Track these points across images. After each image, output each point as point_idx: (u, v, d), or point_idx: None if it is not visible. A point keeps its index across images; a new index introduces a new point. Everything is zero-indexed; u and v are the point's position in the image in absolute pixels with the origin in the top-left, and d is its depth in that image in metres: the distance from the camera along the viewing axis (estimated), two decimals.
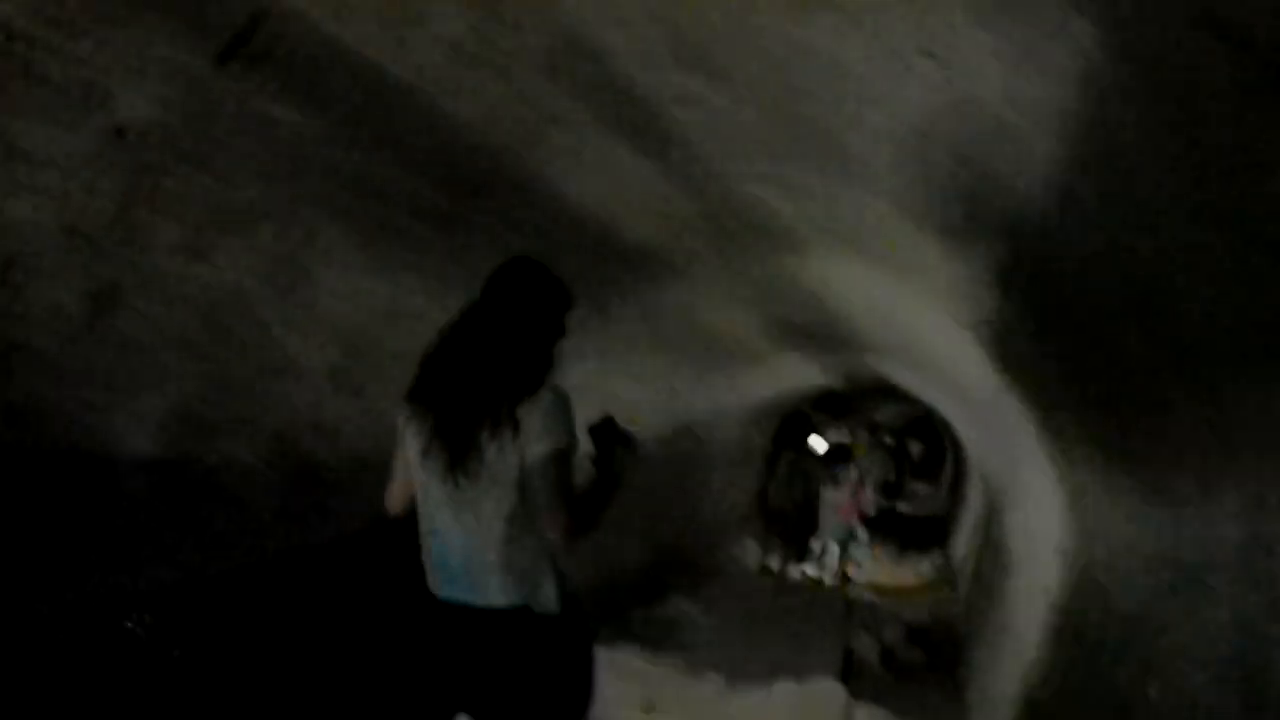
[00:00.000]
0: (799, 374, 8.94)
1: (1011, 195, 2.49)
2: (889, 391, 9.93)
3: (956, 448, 10.70)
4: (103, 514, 2.66)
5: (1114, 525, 2.89)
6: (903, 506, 13.58)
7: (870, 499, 10.49)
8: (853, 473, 10.07)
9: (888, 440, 14.07)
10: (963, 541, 9.55)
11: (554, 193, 3.65)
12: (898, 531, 12.12)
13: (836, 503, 9.68)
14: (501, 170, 3.38)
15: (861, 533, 10.13)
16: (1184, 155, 1.65)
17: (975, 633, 6.17)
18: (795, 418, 9.57)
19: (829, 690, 5.05)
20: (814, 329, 6.79)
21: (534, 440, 2.11)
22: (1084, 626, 3.05)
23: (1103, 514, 3.03)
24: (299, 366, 3.21)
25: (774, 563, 9.29)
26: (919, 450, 15.50)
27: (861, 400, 11.60)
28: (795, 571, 9.33)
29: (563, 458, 2.14)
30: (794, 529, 9.45)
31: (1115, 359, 2.62)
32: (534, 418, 2.12)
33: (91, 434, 2.61)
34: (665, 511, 7.20)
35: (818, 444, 9.52)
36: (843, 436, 11.20)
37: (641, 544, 6.61)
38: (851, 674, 5.76)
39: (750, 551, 9.53)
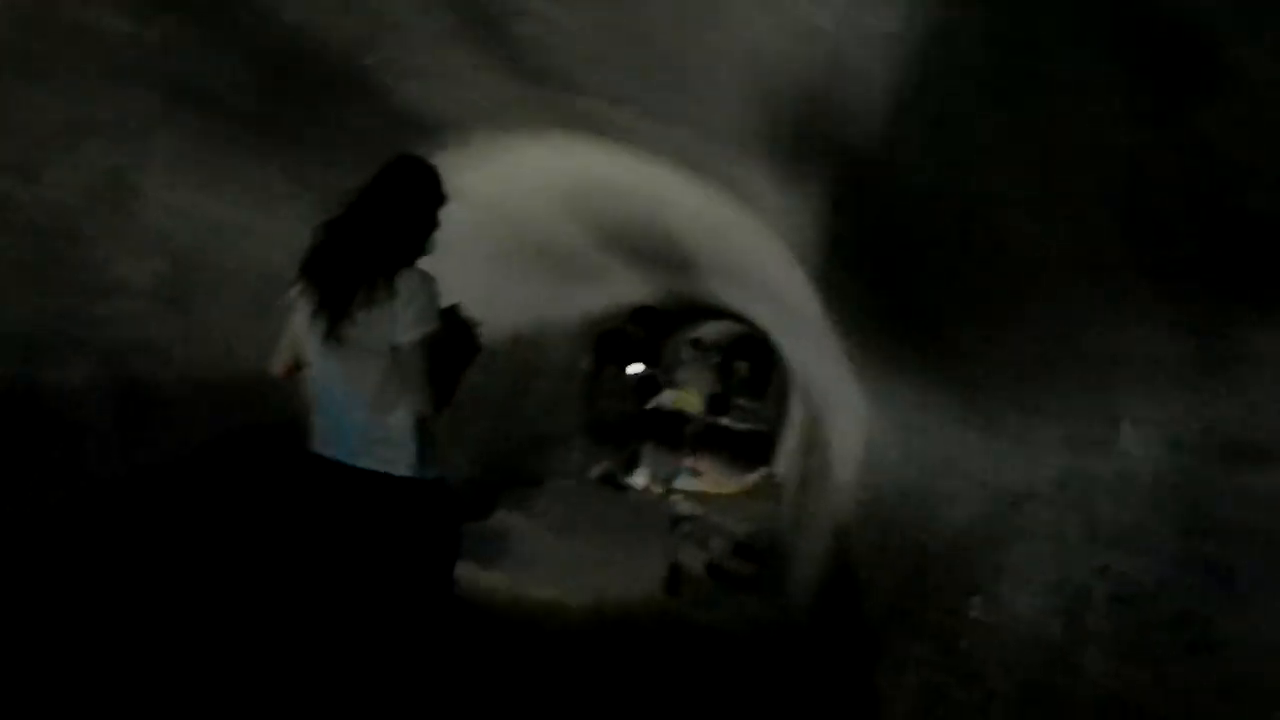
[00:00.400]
0: (629, 290, 9.11)
1: (846, 126, 2.47)
2: (717, 310, 10.18)
3: (783, 367, 11.05)
4: None
5: (936, 449, 2.99)
6: (729, 421, 13.91)
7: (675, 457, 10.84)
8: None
9: (714, 358, 14.40)
10: (786, 457, 9.93)
11: (390, 102, 3.59)
12: (725, 445, 12.52)
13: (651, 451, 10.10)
14: (336, 78, 3.33)
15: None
16: (1011, 95, 1.65)
17: (796, 546, 6.42)
18: (616, 334, 9.59)
19: (655, 600, 5.22)
20: (651, 249, 6.97)
21: (405, 323, 2.43)
22: (905, 546, 3.17)
23: (924, 439, 3.13)
24: (129, 286, 3.11)
25: (602, 471, 9.45)
26: (745, 367, 15.80)
27: (686, 316, 11.90)
28: (624, 480, 9.55)
29: (427, 341, 2.45)
30: (622, 440, 9.60)
31: (940, 292, 2.67)
32: (404, 297, 2.43)
33: None
34: (494, 424, 7.30)
35: (634, 368, 9.64)
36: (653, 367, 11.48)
37: (470, 456, 6.69)
38: (678, 586, 5.89)
39: (579, 462, 9.66)
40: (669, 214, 5.50)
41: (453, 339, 2.63)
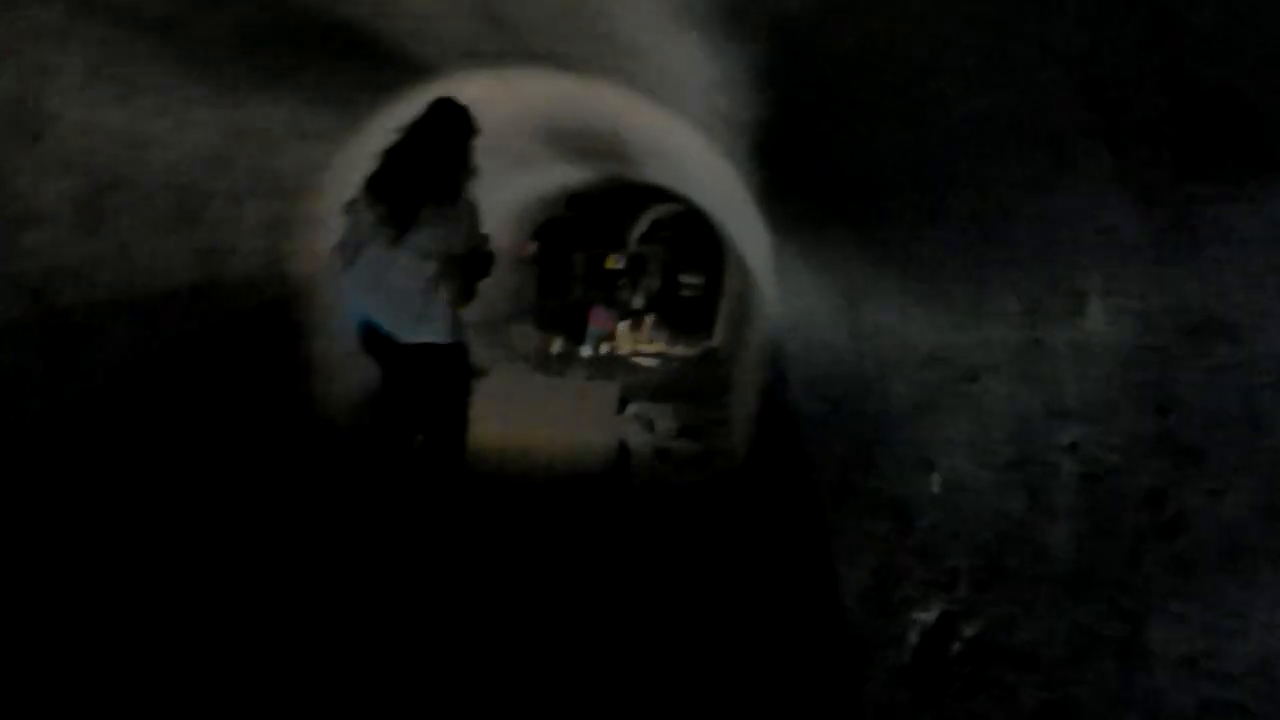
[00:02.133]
0: (569, 176, 9.61)
1: None
2: (665, 193, 10.82)
3: (723, 243, 11.37)
4: None
5: (886, 325, 2.95)
6: (677, 290, 15.21)
7: (612, 319, 11.53)
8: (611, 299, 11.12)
9: (664, 233, 15.07)
10: (723, 329, 10.14)
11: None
12: (671, 313, 13.95)
13: (596, 315, 10.56)
14: None
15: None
16: None
17: (737, 423, 6.46)
18: (557, 221, 9.48)
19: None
20: (600, 146, 7.47)
21: (459, 237, 3.58)
22: (854, 421, 3.17)
23: (873, 314, 3.09)
24: (47, 211, 3.01)
25: (551, 347, 9.61)
26: (686, 245, 16.44)
27: (637, 201, 12.78)
28: (571, 353, 9.87)
29: (471, 253, 3.71)
30: (567, 322, 9.67)
31: (877, 162, 2.59)
32: (460, 217, 3.57)
33: None
34: None
35: (577, 263, 9.70)
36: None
37: None
38: (627, 466, 5.94)
39: (524, 344, 9.86)
40: (617, 121, 6.14)
41: (480, 255, 3.83)
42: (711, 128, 4.46)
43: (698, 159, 5.80)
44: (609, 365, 10.40)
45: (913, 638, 2.12)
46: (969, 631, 1.90)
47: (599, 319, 10.74)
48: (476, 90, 4.87)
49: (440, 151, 3.52)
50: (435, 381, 3.82)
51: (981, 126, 1.92)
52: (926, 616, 2.10)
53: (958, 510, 2.13)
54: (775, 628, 3.25)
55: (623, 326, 12.21)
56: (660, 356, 11.94)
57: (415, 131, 3.55)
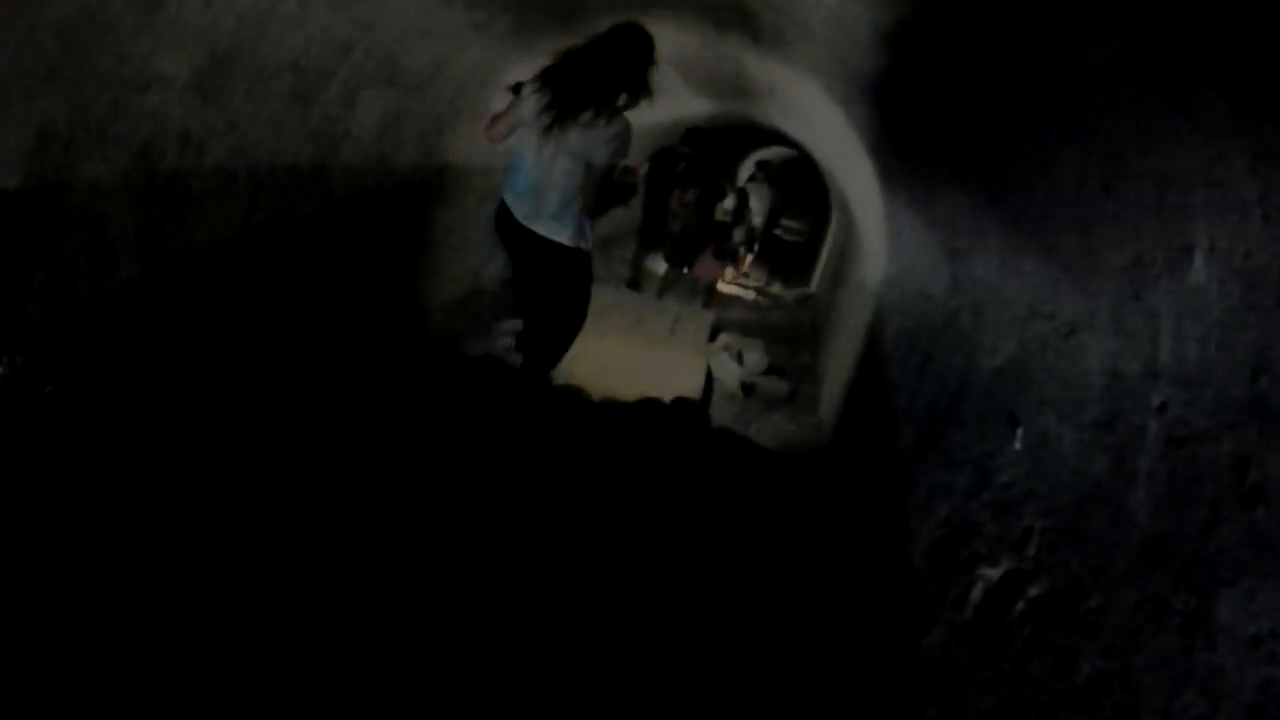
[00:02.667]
0: (690, 107, 9.78)
1: None
2: (776, 134, 10.82)
3: (829, 190, 11.28)
4: None
5: (986, 278, 2.85)
6: (779, 233, 15.15)
7: (719, 268, 11.38)
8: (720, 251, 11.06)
9: (773, 176, 14.95)
10: (821, 276, 10.04)
11: None
12: (772, 256, 13.90)
13: (704, 265, 10.34)
14: None
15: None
16: None
17: (828, 368, 6.37)
18: (668, 152, 9.40)
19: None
20: (716, 75, 7.69)
21: (607, 150, 3.59)
22: (945, 372, 3.08)
23: (975, 267, 2.98)
24: (164, 79, 3.02)
25: (651, 269, 9.73)
26: (793, 190, 16.26)
27: (750, 139, 12.88)
28: (670, 276, 9.92)
29: (613, 168, 3.72)
30: (669, 246, 9.72)
31: (992, 110, 2.47)
32: (614, 130, 3.57)
33: None
34: None
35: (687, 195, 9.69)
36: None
37: None
38: (709, 397, 5.95)
39: (623, 263, 10.01)
40: (742, 59, 6.20)
41: (622, 183, 4.02)
42: (831, 76, 4.36)
43: (813, 106, 5.73)
44: (706, 293, 10.39)
45: (976, 595, 2.07)
46: (1034, 592, 1.85)
47: (706, 268, 10.59)
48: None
49: (616, 66, 3.56)
50: (553, 281, 3.90)
51: (1100, 77, 1.81)
52: (992, 574, 2.04)
53: (1038, 468, 2.06)
54: (843, 575, 3.22)
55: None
56: (758, 292, 12.00)
57: (599, 42, 3.59)
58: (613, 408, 4.96)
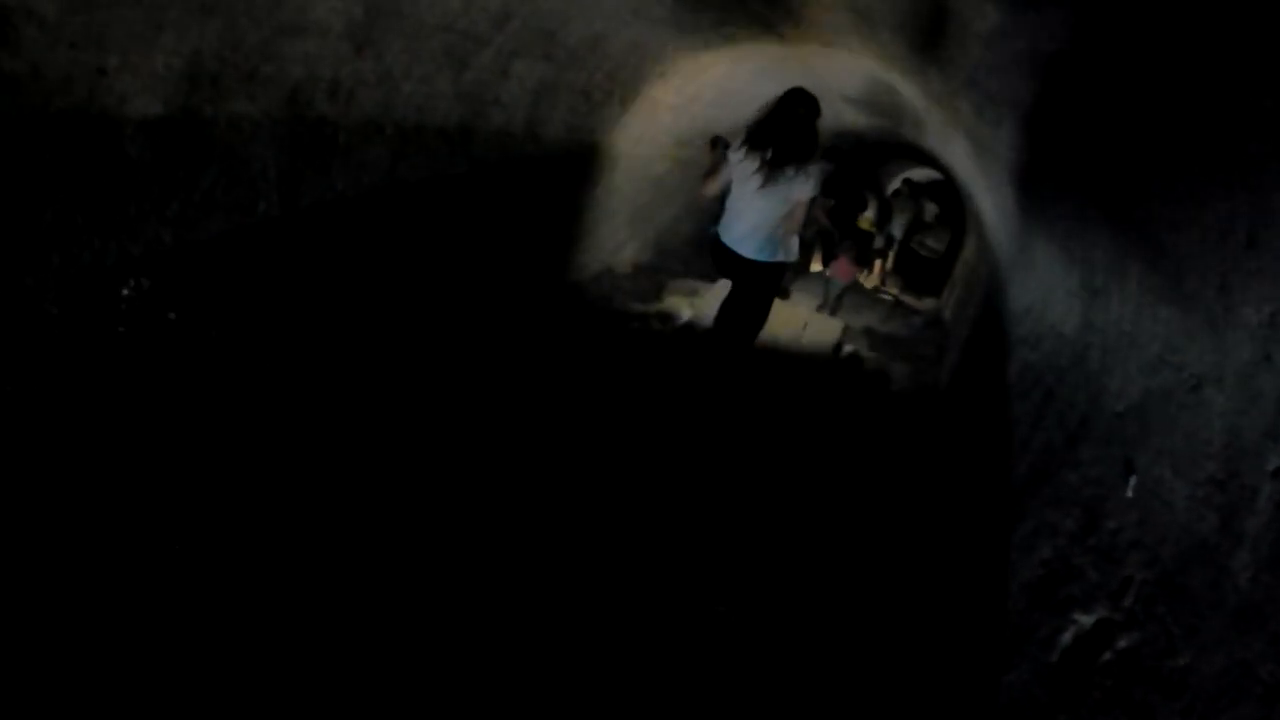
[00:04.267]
0: (844, 117, 10.01)
1: None
2: (923, 154, 11.18)
3: (966, 211, 11.21)
4: (101, 180, 2.56)
5: (1119, 321, 2.77)
6: (916, 248, 15.33)
7: (854, 272, 11.65)
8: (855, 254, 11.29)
9: (915, 191, 15.13)
10: (953, 298, 10.03)
11: None
12: (906, 269, 14.74)
13: (837, 267, 10.79)
14: None
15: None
16: None
17: (947, 388, 6.24)
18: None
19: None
20: (868, 95, 7.94)
21: (806, 191, 4.73)
22: (1066, 411, 3.01)
23: (1109, 308, 2.90)
24: (319, 24, 3.11)
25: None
26: (934, 209, 16.22)
27: (897, 156, 13.44)
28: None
29: (813, 201, 4.94)
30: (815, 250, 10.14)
31: (1143, 154, 2.41)
32: (809, 172, 4.72)
33: (94, 98, 2.46)
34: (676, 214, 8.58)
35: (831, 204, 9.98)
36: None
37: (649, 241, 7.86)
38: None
39: None
40: (893, 79, 6.46)
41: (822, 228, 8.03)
42: (979, 105, 4.29)
43: (956, 130, 5.68)
44: (838, 296, 10.68)
45: (1066, 639, 2.04)
46: (1123, 644, 1.81)
47: (842, 270, 10.80)
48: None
49: (804, 130, 4.71)
50: (757, 290, 5.11)
51: (1257, 125, 1.76)
52: (1086, 620, 2.01)
53: (1146, 519, 2.02)
54: (938, 603, 3.19)
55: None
56: (892, 299, 12.34)
57: (785, 109, 4.71)
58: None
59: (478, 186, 4.70)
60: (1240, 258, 1.90)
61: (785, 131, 4.66)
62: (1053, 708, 1.93)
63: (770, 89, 4.99)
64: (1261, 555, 1.48)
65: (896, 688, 2.68)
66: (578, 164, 6.03)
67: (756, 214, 4.75)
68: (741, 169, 4.74)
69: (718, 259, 5.08)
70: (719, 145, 4.97)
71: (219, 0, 2.67)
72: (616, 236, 7.38)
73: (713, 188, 4.84)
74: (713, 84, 7.35)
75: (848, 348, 7.48)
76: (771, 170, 4.64)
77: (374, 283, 3.99)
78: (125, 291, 2.73)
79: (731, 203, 4.86)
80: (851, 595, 3.22)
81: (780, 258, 4.92)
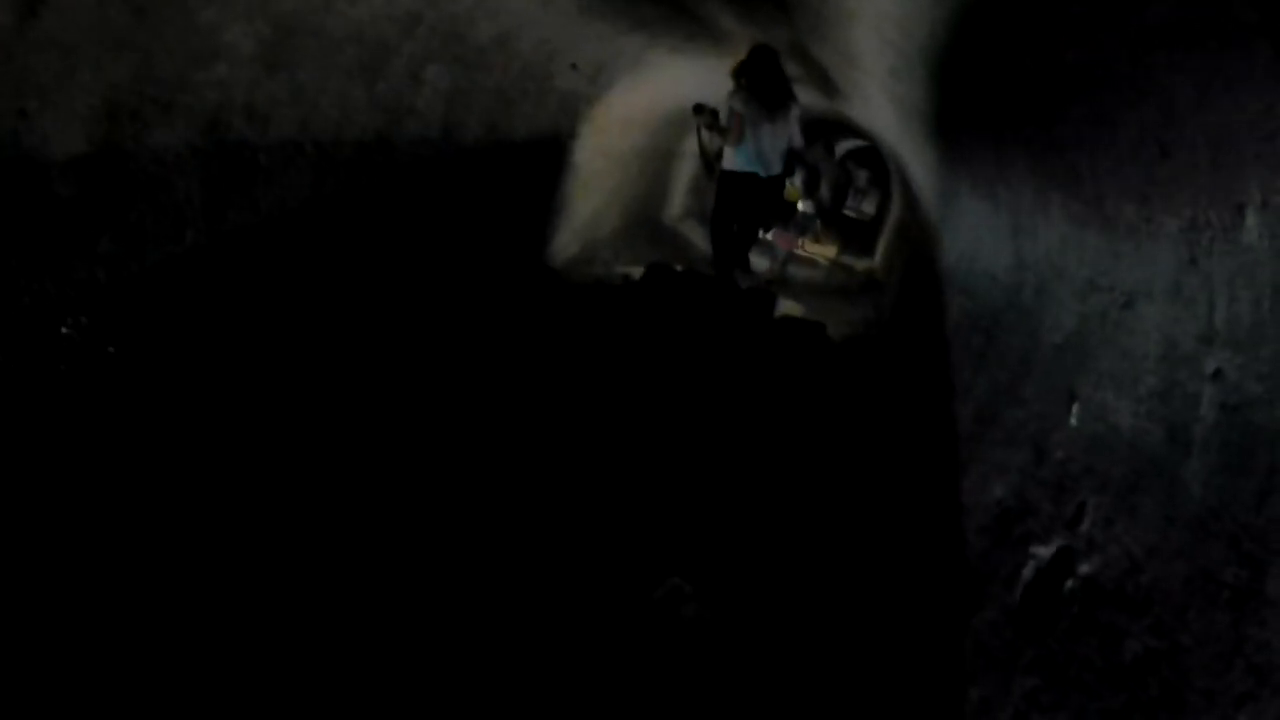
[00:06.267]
0: None
1: None
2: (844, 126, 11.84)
3: (889, 173, 11.52)
4: (30, 221, 2.54)
5: (1047, 253, 2.76)
6: (848, 212, 16.21)
7: (796, 240, 12.34)
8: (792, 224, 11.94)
9: (838, 160, 15.41)
10: (883, 252, 10.39)
11: None
12: (838, 229, 14.89)
13: (779, 236, 11.27)
14: None
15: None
16: None
17: (897, 347, 6.24)
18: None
19: None
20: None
21: (795, 131, 6.61)
22: (1006, 351, 3.00)
23: (1036, 242, 2.89)
24: (230, 50, 3.08)
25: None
26: (865, 175, 17.07)
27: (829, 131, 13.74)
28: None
29: (797, 133, 6.67)
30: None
31: (1053, 85, 2.39)
32: (797, 118, 6.58)
33: (19, 140, 2.44)
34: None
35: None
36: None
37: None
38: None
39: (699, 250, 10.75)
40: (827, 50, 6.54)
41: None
42: (888, 55, 4.27)
43: (875, 94, 5.70)
44: (785, 263, 11.13)
45: (1027, 574, 2.01)
46: (1085, 570, 1.78)
47: (782, 239, 11.32)
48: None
49: (778, 69, 6.32)
50: (764, 198, 6.86)
51: (1157, 35, 1.73)
52: (1044, 552, 1.98)
53: (1095, 444, 1.99)
54: (895, 551, 3.16)
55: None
56: (831, 261, 13.03)
57: (762, 62, 6.25)
58: None
59: (399, 195, 4.61)
60: (1156, 169, 1.88)
61: (773, 75, 6.23)
62: (1020, 643, 1.90)
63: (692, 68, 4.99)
64: (1211, 460, 1.44)
65: (861, 646, 2.64)
66: (499, 163, 5.97)
67: (770, 139, 6.42)
68: (750, 111, 6.28)
69: (728, 187, 6.72)
70: (704, 111, 6.65)
71: (131, 35, 2.65)
72: (543, 226, 7.38)
73: (736, 138, 6.41)
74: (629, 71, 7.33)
75: (785, 306, 7.54)
76: (775, 105, 6.30)
77: (308, 296, 3.91)
78: (64, 330, 2.71)
79: (753, 137, 6.41)
80: (809, 557, 3.18)
81: (783, 172, 6.73)
